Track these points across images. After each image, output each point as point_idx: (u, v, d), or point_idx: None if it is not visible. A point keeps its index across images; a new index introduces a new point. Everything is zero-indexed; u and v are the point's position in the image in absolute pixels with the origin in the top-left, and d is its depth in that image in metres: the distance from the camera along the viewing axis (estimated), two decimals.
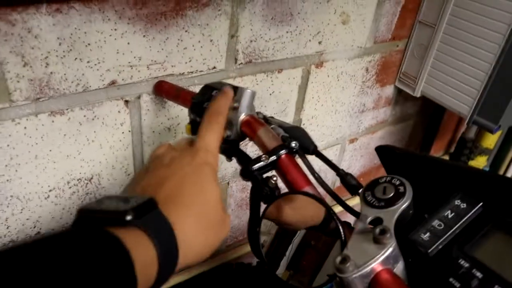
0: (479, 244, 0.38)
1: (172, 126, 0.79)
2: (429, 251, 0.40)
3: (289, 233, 0.51)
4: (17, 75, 0.59)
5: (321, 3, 0.84)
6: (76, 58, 0.62)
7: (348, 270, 0.38)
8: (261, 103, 0.88)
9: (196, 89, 0.59)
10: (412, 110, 1.27)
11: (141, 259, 0.29)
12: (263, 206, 0.49)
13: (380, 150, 0.52)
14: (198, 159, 0.41)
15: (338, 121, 1.07)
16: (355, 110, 1.09)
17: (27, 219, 0.73)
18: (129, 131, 0.75)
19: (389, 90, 1.12)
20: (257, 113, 0.56)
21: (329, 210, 0.44)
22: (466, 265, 0.37)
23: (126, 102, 0.71)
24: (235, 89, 0.56)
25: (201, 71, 0.76)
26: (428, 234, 0.41)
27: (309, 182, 0.49)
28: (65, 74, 0.63)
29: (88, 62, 0.64)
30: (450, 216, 0.41)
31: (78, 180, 0.74)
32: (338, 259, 0.38)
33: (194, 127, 0.57)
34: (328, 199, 0.47)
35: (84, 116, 0.68)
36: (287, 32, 0.83)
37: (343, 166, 1.20)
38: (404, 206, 0.41)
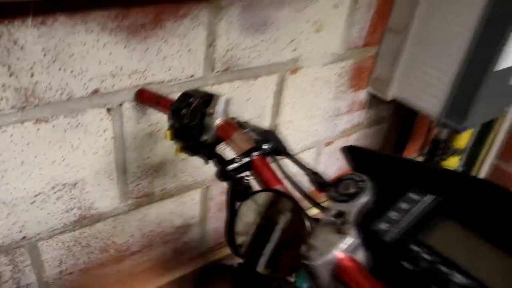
0: (429, 232, 0.43)
1: (153, 132, 0.83)
2: (386, 239, 0.44)
3: (267, 232, 0.54)
4: (3, 85, 0.62)
5: (294, 13, 0.89)
6: (60, 68, 0.65)
7: (313, 257, 0.42)
8: (239, 109, 0.92)
9: (176, 96, 0.63)
10: (386, 113, 1.32)
11: None
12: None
13: (345, 151, 0.56)
14: None
15: (314, 125, 1.12)
16: (330, 114, 1.14)
17: (13, 224, 0.75)
18: (112, 137, 0.78)
19: (362, 94, 1.17)
20: (232, 118, 0.60)
21: (296, 205, 0.48)
22: (416, 249, 0.41)
23: (109, 109, 0.74)
24: (211, 96, 0.60)
25: (180, 79, 0.80)
26: (386, 224, 0.45)
27: (280, 182, 0.53)
28: (49, 84, 0.66)
29: (71, 71, 0.67)
30: (405, 207, 0.46)
31: (63, 185, 0.77)
32: (304, 248, 0.43)
33: (175, 133, 0.61)
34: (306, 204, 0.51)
35: (68, 123, 0.71)
36: (262, 40, 0.87)
37: (320, 168, 1.24)
38: (364, 200, 0.46)
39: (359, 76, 1.12)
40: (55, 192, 0.77)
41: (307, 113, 1.07)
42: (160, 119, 0.82)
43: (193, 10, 0.74)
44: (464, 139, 1.41)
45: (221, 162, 0.58)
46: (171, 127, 0.61)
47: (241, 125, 0.59)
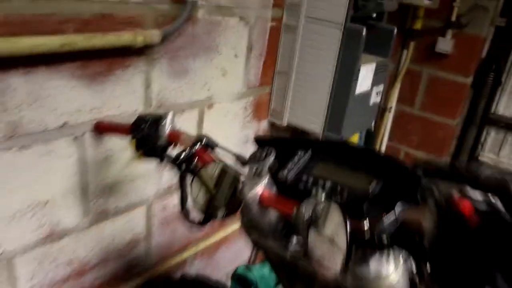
0: (311, 169, 0.72)
1: (108, 157, 1.05)
2: (287, 180, 0.72)
3: (217, 192, 0.78)
4: None
5: (206, 62, 1.19)
6: (39, 106, 0.87)
7: (246, 193, 0.68)
8: None
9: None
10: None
11: None
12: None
13: (256, 140, 0.85)
14: None
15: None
16: (241, 141, 1.44)
17: None
18: (77, 161, 0.98)
19: (264, 123, 1.50)
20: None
21: (231, 168, 0.75)
22: (305, 178, 0.70)
23: (75, 138, 0.96)
24: (160, 115, 0.86)
25: (127, 113, 1.04)
26: (286, 172, 0.74)
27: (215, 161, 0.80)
28: (32, 117, 0.87)
29: (48, 108, 0.89)
30: (295, 161, 0.75)
31: (37, 203, 0.95)
32: (240, 190, 0.69)
33: (138, 142, 0.86)
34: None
35: (44, 150, 0.91)
36: (184, 83, 1.16)
37: None
38: (270, 159, 0.74)
39: (260, 109, 1.45)
40: (30, 210, 0.94)
41: (224, 140, 1.36)
42: (113, 147, 1.04)
43: (135, 62, 1.01)
44: (354, 138, 1.82)
45: (175, 158, 0.83)
46: (134, 139, 0.85)
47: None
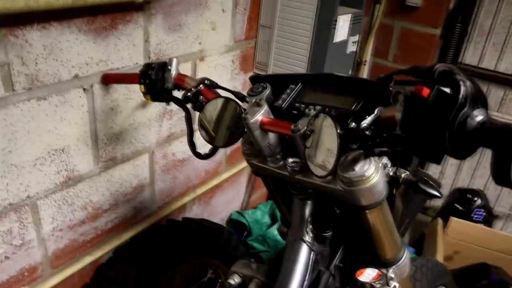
0: (302, 97, 0.84)
1: (114, 107, 1.15)
2: (283, 107, 0.84)
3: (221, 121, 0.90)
4: (18, 72, 0.91)
5: (197, 17, 1.28)
6: (53, 59, 0.96)
7: (249, 118, 0.80)
8: None
9: None
10: None
11: None
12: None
13: (252, 78, 0.96)
14: None
15: None
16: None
17: (21, 184, 1.01)
18: (87, 111, 1.08)
19: (250, 75, 1.61)
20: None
21: (233, 100, 0.86)
22: (298, 105, 0.82)
23: (84, 89, 1.05)
24: (165, 61, 0.96)
25: (129, 65, 1.14)
26: (281, 101, 0.85)
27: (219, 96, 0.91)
28: (47, 70, 0.96)
29: (61, 61, 0.98)
30: (288, 92, 0.86)
31: (55, 150, 1.05)
32: (244, 116, 0.80)
33: (147, 87, 0.96)
34: None
35: (59, 100, 1.01)
36: (178, 37, 1.25)
37: None
38: (267, 92, 0.85)
39: (246, 62, 1.56)
40: (50, 156, 1.04)
41: None
42: (118, 97, 1.14)
43: (135, 17, 1.10)
44: None
45: (180, 100, 0.94)
46: (144, 83, 0.96)
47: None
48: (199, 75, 1.37)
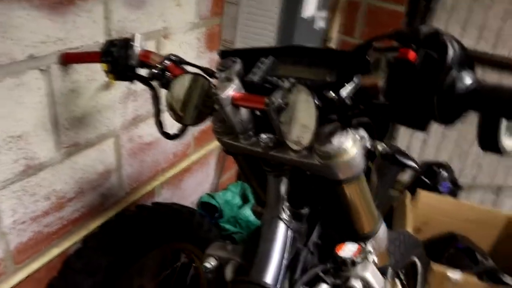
0: (274, 70, 0.81)
1: (75, 88, 1.08)
2: (255, 81, 0.80)
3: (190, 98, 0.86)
4: None
5: None
6: (3, 37, 0.89)
7: (218, 94, 0.76)
8: None
9: None
10: None
11: None
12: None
13: (221, 52, 0.92)
14: None
15: None
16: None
17: None
18: (45, 94, 1.01)
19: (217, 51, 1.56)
20: None
21: (202, 75, 0.82)
22: (270, 78, 0.79)
23: (41, 70, 0.98)
24: (128, 38, 0.90)
25: (89, 44, 1.07)
26: (252, 75, 0.82)
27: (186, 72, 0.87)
28: None
29: (11, 39, 0.90)
30: (260, 65, 0.83)
31: (11, 137, 0.98)
32: (213, 89, 0.77)
33: (110, 65, 0.90)
34: None
35: (13, 83, 0.94)
36: (141, 14, 1.19)
37: None
38: (237, 67, 0.82)
39: (212, 39, 1.51)
40: (6, 144, 0.97)
41: None
42: (79, 78, 1.08)
43: None
44: None
45: (145, 78, 0.89)
46: (106, 61, 0.90)
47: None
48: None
